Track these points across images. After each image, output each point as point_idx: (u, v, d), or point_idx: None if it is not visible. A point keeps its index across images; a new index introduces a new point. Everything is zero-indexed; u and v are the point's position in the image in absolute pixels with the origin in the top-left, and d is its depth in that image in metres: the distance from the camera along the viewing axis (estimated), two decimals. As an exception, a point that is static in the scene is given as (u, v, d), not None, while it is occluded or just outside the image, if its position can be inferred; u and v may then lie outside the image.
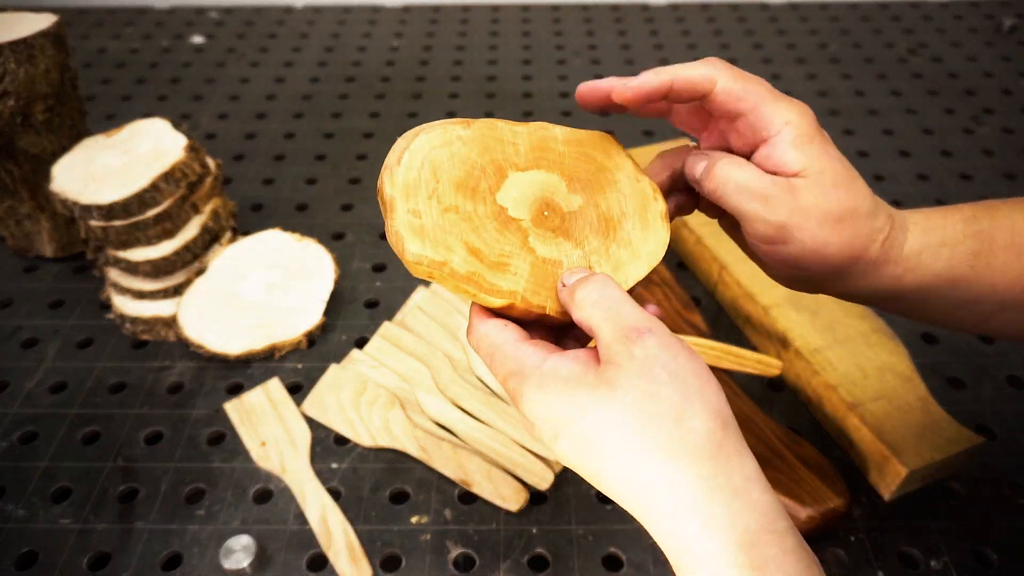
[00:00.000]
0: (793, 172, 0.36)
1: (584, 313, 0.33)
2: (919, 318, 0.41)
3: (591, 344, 0.37)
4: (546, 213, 0.38)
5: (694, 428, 0.30)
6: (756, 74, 0.38)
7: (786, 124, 0.36)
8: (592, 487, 0.57)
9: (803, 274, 0.38)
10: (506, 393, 0.35)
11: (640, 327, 0.31)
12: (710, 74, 0.37)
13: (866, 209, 0.36)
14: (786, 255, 0.36)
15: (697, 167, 0.38)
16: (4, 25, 0.67)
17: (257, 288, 0.70)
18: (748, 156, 0.38)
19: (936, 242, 0.38)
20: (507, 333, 0.34)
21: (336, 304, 0.72)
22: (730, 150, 0.39)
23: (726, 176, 0.36)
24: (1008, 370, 0.65)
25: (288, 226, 0.77)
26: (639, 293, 0.69)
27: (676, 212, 0.42)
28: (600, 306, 0.33)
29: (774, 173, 0.36)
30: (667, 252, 0.77)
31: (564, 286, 0.35)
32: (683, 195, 0.42)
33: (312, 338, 0.68)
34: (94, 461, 0.59)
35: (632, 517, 0.32)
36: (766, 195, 0.35)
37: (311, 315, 0.69)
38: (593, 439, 0.31)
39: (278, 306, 0.69)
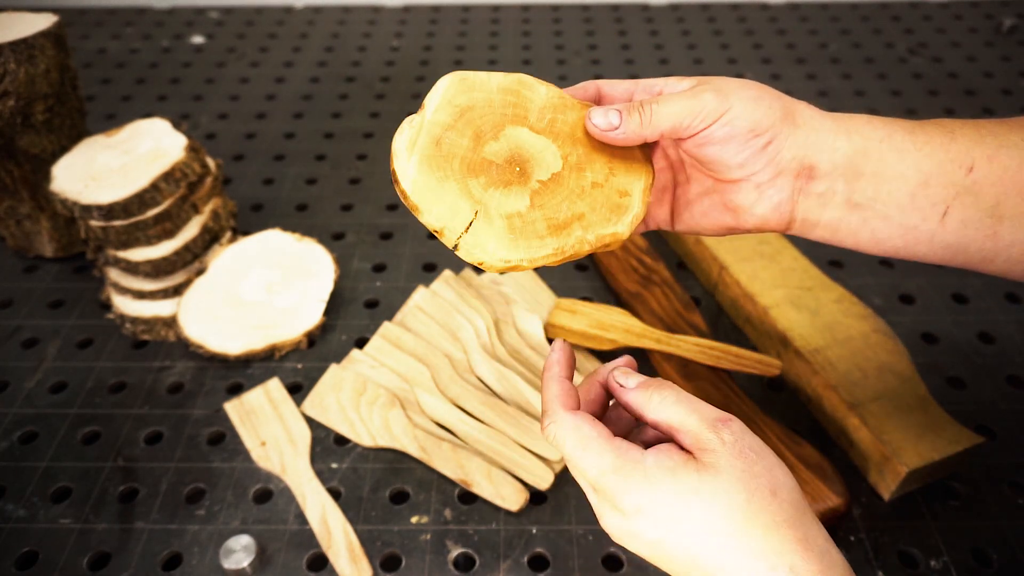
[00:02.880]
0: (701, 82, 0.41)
1: (665, 414, 0.36)
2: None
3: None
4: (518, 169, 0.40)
5: (785, 498, 0.34)
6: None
7: (667, 79, 0.42)
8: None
9: (761, 139, 0.39)
10: (595, 488, 0.36)
11: (723, 416, 0.35)
12: (590, 84, 0.45)
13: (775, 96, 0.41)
14: (740, 125, 0.39)
15: (607, 119, 0.41)
16: (4, 25, 0.67)
17: (257, 288, 0.70)
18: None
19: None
20: (599, 428, 0.36)
21: (336, 304, 0.72)
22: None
23: (654, 109, 0.40)
24: (1008, 370, 0.65)
25: (288, 226, 0.77)
26: (642, 290, 0.69)
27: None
28: (681, 405, 0.36)
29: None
30: (667, 252, 0.77)
31: (622, 387, 0.38)
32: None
33: (312, 338, 0.68)
34: (94, 461, 0.60)
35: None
36: (697, 91, 0.40)
37: (311, 315, 0.69)
38: (705, 520, 0.33)
39: (278, 306, 0.69)
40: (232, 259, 0.72)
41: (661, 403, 0.36)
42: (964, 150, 0.39)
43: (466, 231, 0.38)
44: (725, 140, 0.39)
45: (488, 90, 0.42)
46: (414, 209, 0.39)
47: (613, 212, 0.40)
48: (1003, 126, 0.40)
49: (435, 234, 0.38)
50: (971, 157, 0.39)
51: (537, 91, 0.42)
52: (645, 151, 0.42)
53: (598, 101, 0.44)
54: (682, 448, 0.35)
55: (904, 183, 0.39)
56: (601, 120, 0.40)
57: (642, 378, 0.38)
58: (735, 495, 0.33)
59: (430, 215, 0.38)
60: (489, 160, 0.40)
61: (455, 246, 0.38)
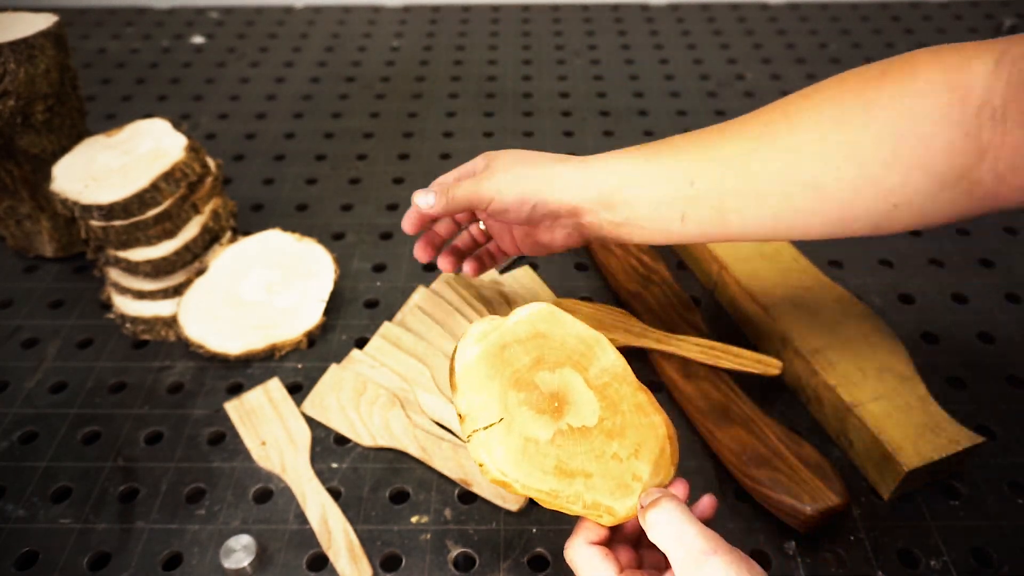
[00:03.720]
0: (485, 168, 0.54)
1: (656, 536, 0.39)
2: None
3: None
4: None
5: None
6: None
7: (476, 162, 0.56)
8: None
9: (527, 204, 0.52)
10: None
11: (705, 550, 0.37)
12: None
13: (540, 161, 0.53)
14: (509, 201, 0.51)
15: (425, 200, 0.54)
16: (4, 25, 0.67)
17: (257, 288, 0.70)
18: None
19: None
20: (607, 566, 0.40)
21: (336, 304, 0.72)
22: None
23: (451, 193, 0.53)
24: (1008, 370, 0.65)
25: (288, 226, 0.77)
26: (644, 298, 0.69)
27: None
28: (668, 531, 0.38)
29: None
30: (667, 252, 0.77)
31: (643, 507, 0.41)
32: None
33: (312, 338, 0.68)
34: (94, 461, 0.60)
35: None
36: (472, 173, 0.55)
37: (311, 315, 0.69)
38: None
39: (278, 306, 0.69)
40: (232, 259, 0.72)
41: (654, 524, 0.39)
42: (685, 170, 0.49)
43: (484, 429, 0.41)
44: (503, 212, 0.52)
45: (568, 331, 0.45)
46: (453, 387, 0.42)
47: (619, 488, 0.42)
48: (720, 135, 0.49)
49: (458, 417, 0.42)
50: (691, 173, 0.48)
51: (607, 354, 0.45)
52: (674, 449, 0.44)
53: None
54: None
55: (646, 203, 0.50)
56: (422, 200, 0.53)
57: (662, 493, 0.41)
58: None
59: (463, 399, 0.42)
60: (536, 384, 0.43)
61: (469, 436, 0.41)
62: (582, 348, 0.44)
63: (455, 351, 0.43)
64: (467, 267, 0.61)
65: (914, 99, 0.42)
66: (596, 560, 0.41)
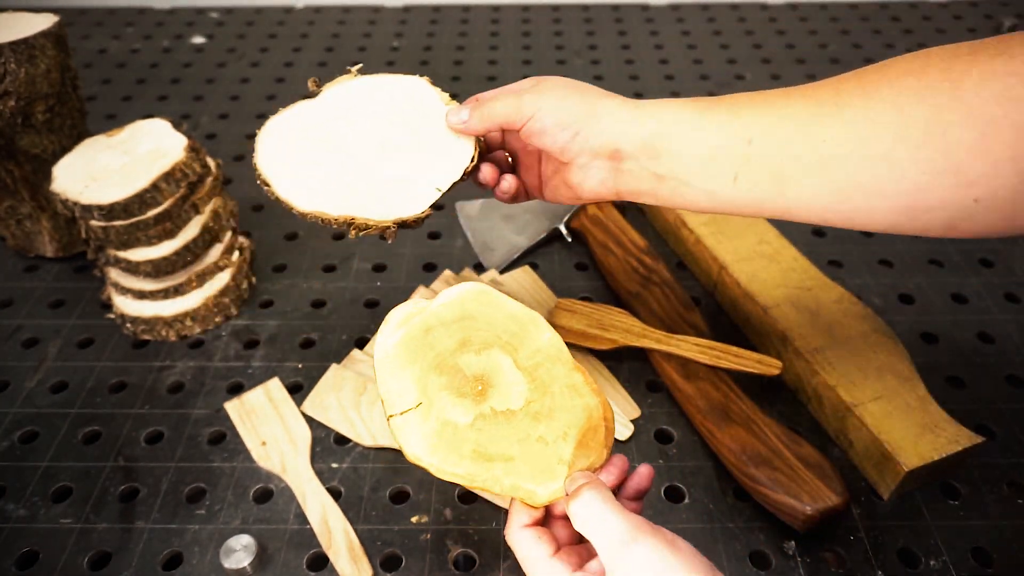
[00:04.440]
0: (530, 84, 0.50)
1: (579, 526, 0.39)
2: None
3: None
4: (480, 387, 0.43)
5: None
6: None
7: (521, 82, 0.51)
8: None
9: (568, 131, 0.48)
10: None
11: (627, 538, 0.36)
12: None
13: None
14: (548, 121, 0.48)
15: (458, 116, 0.52)
16: (4, 25, 0.67)
17: (368, 141, 0.54)
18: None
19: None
20: (541, 548, 0.40)
21: (336, 304, 0.72)
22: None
23: (487, 107, 0.50)
24: (1008, 370, 0.65)
25: (288, 226, 0.77)
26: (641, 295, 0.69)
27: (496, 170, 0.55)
28: (591, 520, 0.38)
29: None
30: (667, 252, 0.77)
31: (567, 495, 0.41)
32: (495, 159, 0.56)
33: (407, 225, 0.51)
34: (94, 461, 0.60)
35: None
36: (517, 90, 0.50)
37: (415, 201, 0.51)
38: None
39: (383, 173, 0.52)
40: (356, 94, 0.57)
41: (576, 515, 0.39)
42: (745, 125, 0.44)
43: (400, 414, 0.42)
44: (540, 133, 0.48)
45: (500, 312, 0.44)
46: (374, 376, 0.43)
47: (542, 473, 0.41)
48: (786, 96, 0.44)
49: (381, 402, 0.42)
50: (750, 131, 0.44)
51: (542, 334, 0.44)
52: (610, 431, 0.43)
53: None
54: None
55: (695, 157, 0.46)
56: (455, 117, 0.51)
57: (586, 479, 0.40)
58: None
59: (381, 386, 0.42)
60: (460, 368, 0.42)
61: (388, 419, 0.42)
62: (514, 328, 0.43)
63: (376, 341, 0.43)
64: (505, 184, 0.54)
65: (1009, 81, 0.37)
66: (530, 542, 0.41)
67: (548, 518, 0.44)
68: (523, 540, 0.41)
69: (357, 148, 0.53)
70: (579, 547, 0.42)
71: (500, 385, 0.42)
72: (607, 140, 0.47)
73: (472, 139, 0.53)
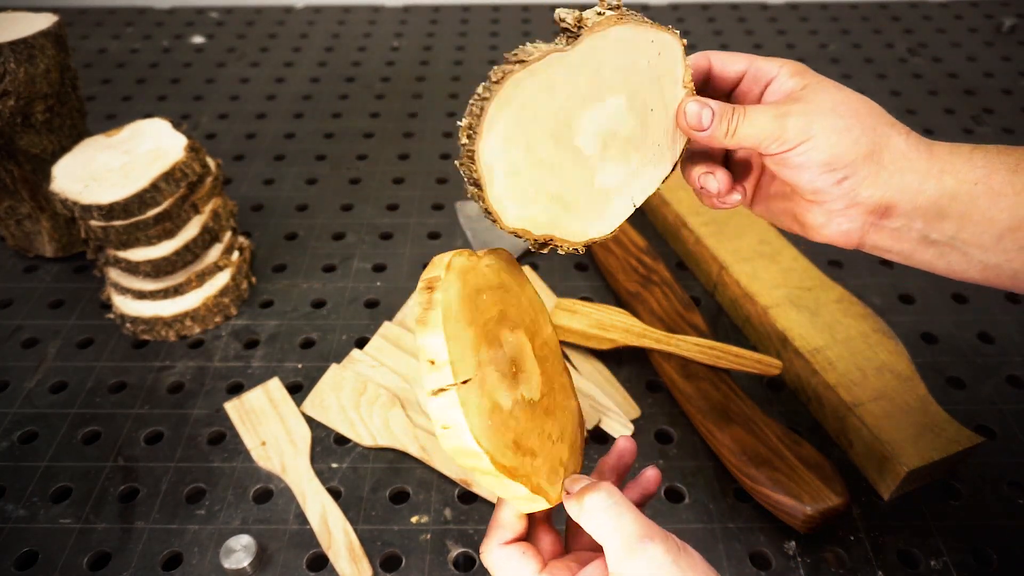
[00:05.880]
0: (798, 95, 0.39)
1: (590, 523, 0.36)
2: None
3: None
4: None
5: None
6: None
7: (781, 67, 0.40)
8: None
9: (836, 174, 0.38)
10: None
11: (640, 536, 0.34)
12: (701, 56, 0.42)
13: (872, 106, 0.39)
14: (815, 158, 0.37)
15: (697, 120, 0.39)
16: (4, 25, 0.67)
17: (597, 130, 0.38)
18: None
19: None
20: (528, 565, 0.38)
21: (336, 304, 0.72)
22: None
23: (740, 125, 0.38)
24: (1008, 370, 0.65)
25: (288, 226, 0.77)
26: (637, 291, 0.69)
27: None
28: (604, 518, 0.35)
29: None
30: (667, 252, 0.77)
31: (568, 494, 0.38)
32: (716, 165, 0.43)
33: (537, 246, 0.39)
34: (94, 461, 0.60)
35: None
36: (782, 110, 0.38)
37: (612, 218, 0.41)
38: None
39: (595, 181, 0.39)
40: (611, 50, 0.37)
41: (591, 511, 0.36)
42: None
43: (463, 384, 0.33)
44: (800, 168, 0.38)
45: (525, 292, 0.40)
46: (426, 324, 0.33)
47: (552, 472, 0.38)
48: None
49: (428, 364, 0.33)
50: None
51: (547, 326, 0.41)
52: (584, 439, 0.42)
53: (707, 76, 0.41)
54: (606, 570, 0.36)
55: (992, 226, 0.37)
56: (694, 115, 0.38)
57: (585, 481, 0.38)
58: None
59: (448, 344, 0.33)
60: (501, 343, 0.37)
61: (440, 391, 0.33)
62: (532, 314, 0.40)
63: (431, 277, 0.34)
64: (719, 177, 0.41)
65: None
66: (514, 560, 0.38)
67: (530, 531, 0.41)
68: (507, 558, 0.38)
69: (585, 140, 0.38)
70: (568, 560, 0.39)
71: (526, 371, 0.37)
72: (882, 195, 0.38)
73: (685, 140, 0.41)
